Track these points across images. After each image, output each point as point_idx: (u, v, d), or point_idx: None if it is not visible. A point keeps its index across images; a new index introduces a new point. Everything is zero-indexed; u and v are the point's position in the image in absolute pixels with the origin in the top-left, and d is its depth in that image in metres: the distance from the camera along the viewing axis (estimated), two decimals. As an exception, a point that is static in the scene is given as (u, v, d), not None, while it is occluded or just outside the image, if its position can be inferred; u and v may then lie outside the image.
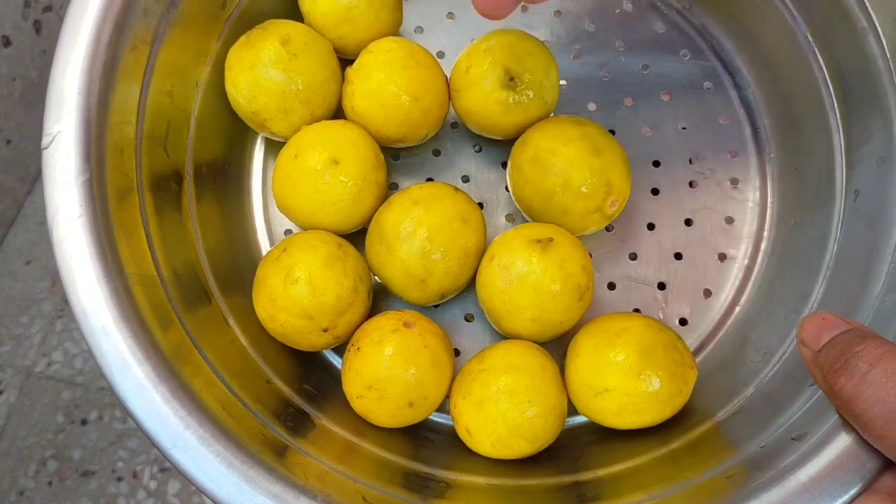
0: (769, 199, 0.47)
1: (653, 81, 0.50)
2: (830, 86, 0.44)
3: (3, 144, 0.99)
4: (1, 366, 1.01)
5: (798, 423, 0.36)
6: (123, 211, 0.38)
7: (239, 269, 0.46)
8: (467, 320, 0.47)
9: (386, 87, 0.44)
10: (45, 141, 0.37)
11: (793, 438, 0.35)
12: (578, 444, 0.43)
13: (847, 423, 0.33)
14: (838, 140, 0.44)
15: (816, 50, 0.45)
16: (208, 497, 0.34)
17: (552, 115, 0.46)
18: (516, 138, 0.46)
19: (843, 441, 0.33)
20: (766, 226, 0.47)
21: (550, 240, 0.40)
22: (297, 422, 0.39)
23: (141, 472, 0.97)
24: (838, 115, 0.44)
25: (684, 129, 0.49)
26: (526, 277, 0.40)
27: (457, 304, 0.47)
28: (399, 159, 0.50)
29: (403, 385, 0.40)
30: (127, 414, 0.35)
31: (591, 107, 0.50)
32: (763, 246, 0.47)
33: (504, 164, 0.49)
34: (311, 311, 0.40)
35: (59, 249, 0.36)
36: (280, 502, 0.33)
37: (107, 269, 0.36)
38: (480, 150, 0.50)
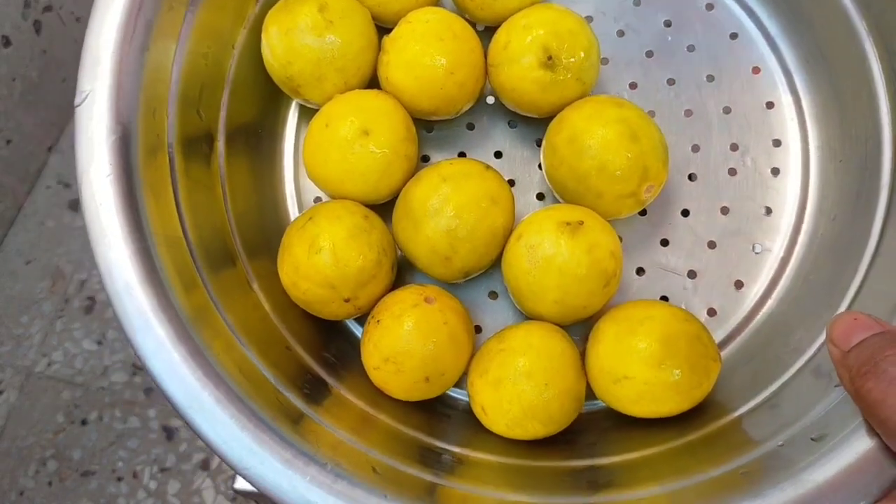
0: (810, 192, 0.46)
1: (698, 63, 0.49)
2: (883, 77, 0.43)
3: (3, 144, 0.99)
4: (1, 366, 1.01)
5: (819, 424, 0.35)
6: (153, 171, 0.39)
7: (267, 233, 0.46)
8: (491, 297, 0.47)
9: (421, 58, 0.43)
10: (77, 98, 0.38)
11: (812, 439, 0.34)
12: (595, 429, 0.43)
13: (870, 428, 0.32)
14: (888, 133, 0.42)
15: (871, 38, 0.43)
16: (221, 458, 0.34)
17: (591, 94, 0.45)
18: (552, 117, 0.45)
19: (864, 445, 0.32)
20: (806, 218, 0.46)
21: (581, 223, 0.40)
22: (314, 389, 0.40)
23: (141, 472, 0.97)
24: (889, 108, 0.43)
25: (727, 113, 0.48)
26: (552, 259, 0.39)
27: (482, 280, 0.47)
28: (432, 132, 0.49)
29: (420, 360, 0.40)
30: (147, 373, 0.35)
31: (632, 86, 0.49)
32: (800, 239, 0.45)
33: (538, 142, 0.48)
34: (333, 281, 0.40)
35: (87, 207, 0.37)
36: (291, 468, 0.33)
37: (133, 228, 0.36)
38: (515, 127, 0.49)
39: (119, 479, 0.96)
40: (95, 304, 1.04)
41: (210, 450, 0.34)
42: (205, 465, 0.97)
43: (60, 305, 1.03)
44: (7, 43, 0.90)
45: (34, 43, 0.96)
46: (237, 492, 0.49)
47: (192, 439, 0.98)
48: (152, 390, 1.00)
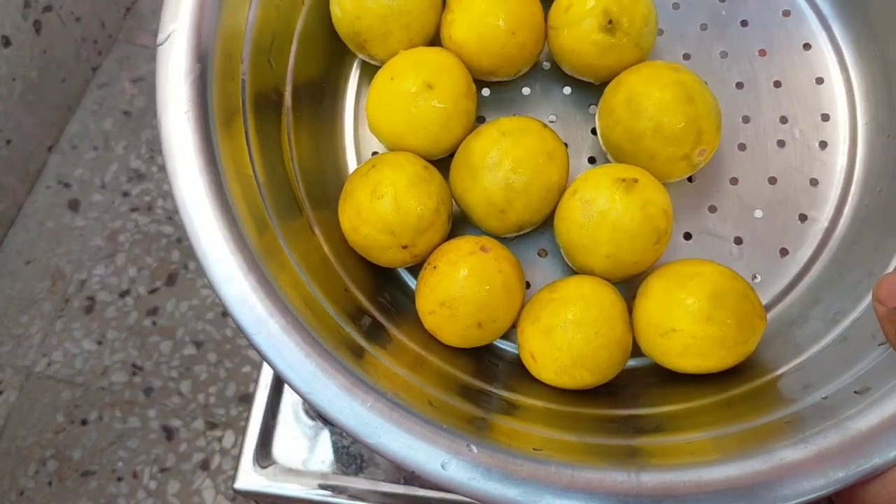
0: (857, 165, 0.47)
1: (750, 37, 0.50)
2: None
3: (3, 144, 0.99)
4: (1, 366, 1.01)
5: (863, 379, 0.36)
6: (227, 113, 0.40)
7: (326, 184, 0.48)
8: (540, 255, 0.48)
9: (485, 17, 0.44)
10: (160, 37, 0.39)
11: (856, 392, 0.35)
12: (639, 383, 0.44)
13: (915, 381, 0.33)
14: (936, 110, 0.43)
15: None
16: (286, 383, 0.36)
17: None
18: (606, 83, 0.46)
19: (908, 397, 0.33)
20: (852, 190, 0.47)
21: (635, 180, 0.41)
22: (371, 329, 0.41)
23: (141, 472, 0.97)
24: (940, 85, 0.44)
25: (778, 87, 0.49)
26: (606, 214, 0.41)
27: (532, 238, 0.48)
28: (489, 94, 0.51)
29: (474, 305, 0.41)
30: (219, 299, 0.37)
31: (686, 57, 0.50)
32: (846, 210, 0.46)
33: (592, 109, 0.50)
34: (393, 227, 0.42)
35: (165, 141, 0.38)
36: (350, 395, 0.35)
37: (208, 162, 0.38)
38: (570, 93, 0.50)
39: (119, 479, 0.96)
40: (95, 304, 1.05)
41: (276, 373, 0.36)
42: (205, 465, 0.98)
43: (60, 305, 1.04)
44: (7, 43, 0.91)
45: (34, 43, 0.97)
46: (237, 492, 0.50)
47: (192, 439, 0.99)
48: (152, 390, 1.01)
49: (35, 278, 1.06)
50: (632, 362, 0.45)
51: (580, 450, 0.37)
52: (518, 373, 0.44)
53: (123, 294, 1.05)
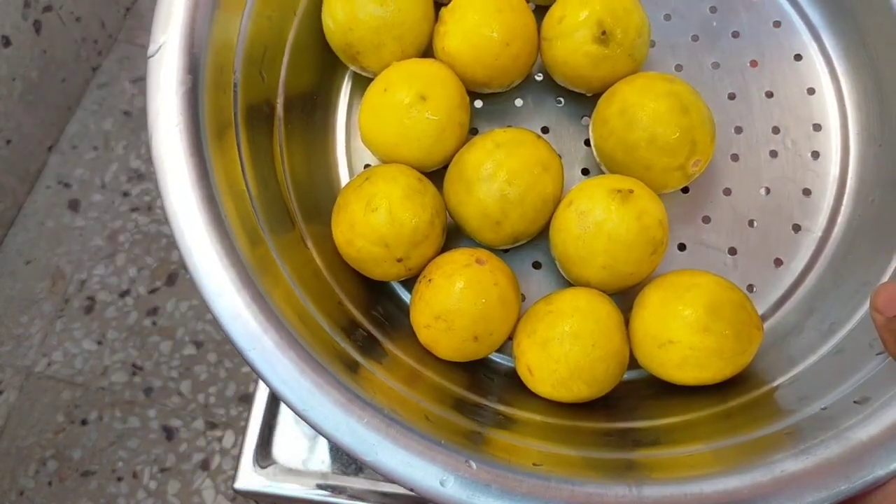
0: (850, 175, 0.47)
1: (742, 48, 0.50)
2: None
3: (3, 144, 0.99)
4: (1, 366, 1.01)
5: (862, 389, 0.36)
6: (218, 126, 0.40)
7: (318, 197, 0.47)
8: (535, 267, 0.48)
9: (479, 29, 0.44)
10: (151, 49, 0.39)
11: (855, 402, 0.35)
12: (636, 396, 0.44)
13: (914, 391, 0.33)
14: (928, 120, 0.44)
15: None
16: (281, 400, 0.35)
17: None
18: (599, 94, 0.46)
19: (908, 406, 0.33)
20: (845, 200, 0.47)
21: (631, 191, 0.41)
22: (366, 344, 0.41)
23: (141, 472, 0.97)
24: (931, 95, 0.44)
25: (769, 98, 0.49)
26: (602, 225, 0.41)
27: (526, 250, 0.48)
28: (482, 106, 0.50)
29: (471, 318, 0.41)
30: (211, 314, 0.36)
31: (678, 69, 0.50)
32: (839, 220, 0.46)
33: (585, 120, 0.50)
34: (387, 240, 0.42)
35: (156, 154, 0.38)
36: (346, 411, 0.34)
37: (200, 176, 0.37)
38: (562, 104, 0.50)
39: (119, 479, 0.96)
40: (95, 304, 1.05)
41: (272, 391, 0.35)
42: (205, 465, 0.98)
43: (60, 305, 1.04)
44: (7, 43, 0.91)
45: (34, 43, 0.96)
46: (237, 492, 0.50)
47: (192, 439, 0.99)
48: (152, 390, 1.01)
49: (35, 278, 1.06)
50: (628, 374, 0.45)
51: (579, 464, 0.36)
52: (513, 386, 0.43)
53: (123, 294, 1.05)
